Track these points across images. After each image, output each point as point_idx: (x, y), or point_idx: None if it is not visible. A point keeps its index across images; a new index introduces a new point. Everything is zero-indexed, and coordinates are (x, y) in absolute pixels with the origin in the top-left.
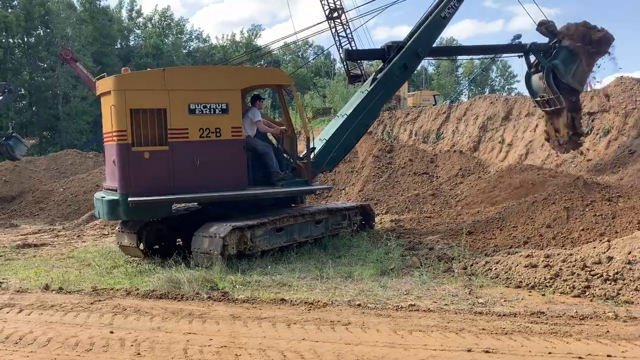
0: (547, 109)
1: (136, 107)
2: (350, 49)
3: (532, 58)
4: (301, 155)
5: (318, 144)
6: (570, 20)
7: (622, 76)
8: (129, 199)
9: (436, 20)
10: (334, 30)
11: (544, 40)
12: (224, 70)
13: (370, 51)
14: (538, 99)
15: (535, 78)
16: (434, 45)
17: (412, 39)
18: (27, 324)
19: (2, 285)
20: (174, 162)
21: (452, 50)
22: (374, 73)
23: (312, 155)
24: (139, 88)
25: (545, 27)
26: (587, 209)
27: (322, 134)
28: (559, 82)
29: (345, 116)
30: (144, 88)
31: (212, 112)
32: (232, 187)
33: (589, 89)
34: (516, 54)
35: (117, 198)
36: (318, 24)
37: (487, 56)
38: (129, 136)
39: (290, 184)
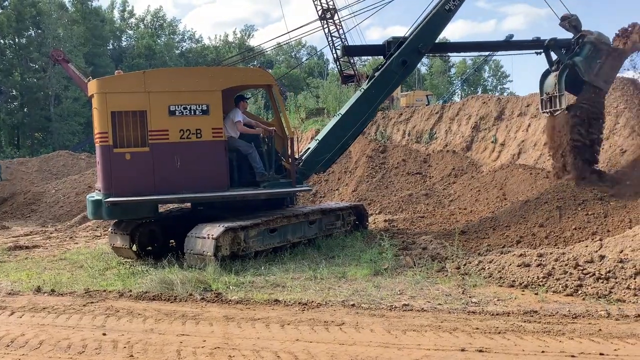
0: (546, 109)
1: (117, 109)
2: (348, 45)
3: (554, 56)
4: (296, 156)
5: (314, 144)
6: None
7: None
8: (106, 199)
9: (440, 13)
10: (326, 30)
11: (567, 35)
12: (204, 72)
13: (370, 47)
14: (543, 96)
15: (551, 76)
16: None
17: (413, 34)
18: (19, 327)
19: None
20: (154, 163)
21: (460, 47)
22: (372, 71)
23: (305, 156)
24: (119, 91)
25: (568, 21)
26: (579, 208)
27: (319, 134)
28: (580, 82)
29: (340, 115)
30: (124, 90)
31: (192, 113)
32: (213, 188)
33: None
34: (534, 51)
35: (100, 198)
36: (309, 23)
37: (503, 53)
38: (110, 138)
39: (274, 185)
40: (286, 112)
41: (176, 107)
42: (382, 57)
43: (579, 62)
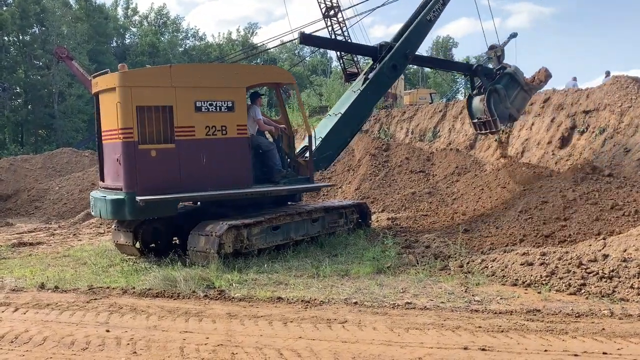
0: (482, 131)
1: (142, 104)
2: (306, 33)
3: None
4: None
5: (317, 142)
6: (567, 20)
7: (609, 73)
8: (138, 197)
9: (423, 23)
10: (330, 28)
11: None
12: (230, 68)
13: (363, 47)
14: (475, 120)
15: (476, 100)
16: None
17: (400, 41)
18: (23, 323)
19: None
20: (180, 161)
21: (415, 59)
22: (363, 73)
23: (308, 154)
24: (145, 85)
25: (494, 51)
26: (583, 207)
27: (316, 133)
28: (498, 107)
29: (340, 115)
30: (150, 85)
31: (218, 109)
32: (237, 185)
33: (576, 87)
34: (463, 73)
35: (122, 197)
36: (313, 22)
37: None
38: (135, 134)
39: (293, 182)
40: (305, 110)
41: (202, 103)
42: (370, 58)
43: (500, 89)
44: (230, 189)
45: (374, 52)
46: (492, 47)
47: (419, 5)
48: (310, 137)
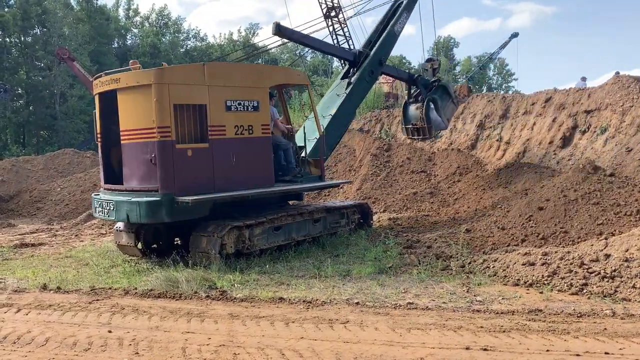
0: (415, 137)
1: (178, 102)
2: (280, 24)
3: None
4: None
5: (312, 143)
6: (568, 19)
7: (619, 74)
8: (182, 198)
9: (392, 34)
10: (331, 28)
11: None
12: (256, 68)
13: (341, 50)
14: (409, 126)
15: (412, 107)
16: None
17: (375, 49)
18: (25, 324)
19: (0, 285)
20: (213, 160)
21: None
22: (339, 77)
23: (303, 154)
24: (181, 82)
25: (431, 64)
26: (584, 207)
27: (307, 135)
28: (434, 115)
29: (331, 116)
30: (185, 82)
31: (245, 109)
32: (262, 184)
33: (585, 87)
34: (404, 82)
35: (158, 199)
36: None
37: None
38: (173, 132)
39: (309, 180)
40: (317, 112)
41: (232, 102)
42: (347, 62)
43: (437, 100)
44: (256, 188)
45: (352, 57)
46: (429, 60)
47: (384, 15)
48: (322, 138)
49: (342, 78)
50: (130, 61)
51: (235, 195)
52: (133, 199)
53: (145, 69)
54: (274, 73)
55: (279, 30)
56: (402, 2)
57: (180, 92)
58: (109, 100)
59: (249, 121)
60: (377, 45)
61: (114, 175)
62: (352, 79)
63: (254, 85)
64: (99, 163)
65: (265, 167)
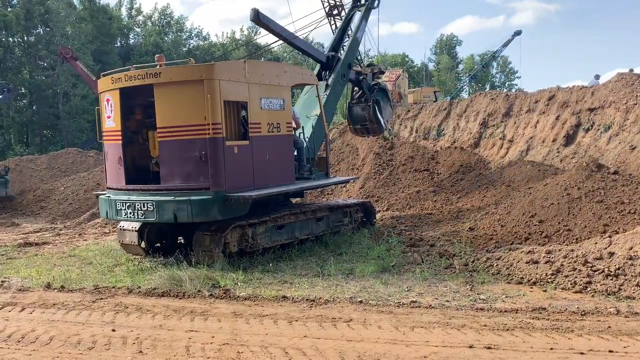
0: (366, 135)
1: (227, 99)
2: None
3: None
4: None
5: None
6: (572, 17)
7: (622, 72)
8: (239, 194)
9: (356, 40)
10: (334, 27)
11: None
12: (282, 67)
13: (314, 50)
14: (358, 126)
15: (357, 108)
16: None
17: (344, 55)
18: (29, 323)
19: (4, 284)
20: (252, 157)
21: None
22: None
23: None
24: (228, 79)
25: (371, 69)
26: (588, 206)
27: (305, 133)
28: (379, 116)
29: (317, 116)
30: (231, 79)
31: (274, 107)
32: (286, 182)
33: (598, 84)
34: (352, 84)
35: (209, 197)
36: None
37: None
38: (224, 129)
39: (320, 177)
40: (322, 111)
41: (265, 100)
42: (319, 63)
43: (380, 101)
44: (281, 186)
45: (325, 60)
46: (369, 65)
47: (343, 22)
48: (326, 135)
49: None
50: (157, 55)
51: (279, 192)
52: (181, 198)
53: (195, 64)
54: (294, 72)
55: (257, 17)
56: (354, 12)
57: (228, 88)
58: (135, 95)
59: (277, 119)
60: (346, 51)
61: (135, 175)
62: (329, 81)
63: (281, 83)
64: (104, 162)
65: (290, 164)
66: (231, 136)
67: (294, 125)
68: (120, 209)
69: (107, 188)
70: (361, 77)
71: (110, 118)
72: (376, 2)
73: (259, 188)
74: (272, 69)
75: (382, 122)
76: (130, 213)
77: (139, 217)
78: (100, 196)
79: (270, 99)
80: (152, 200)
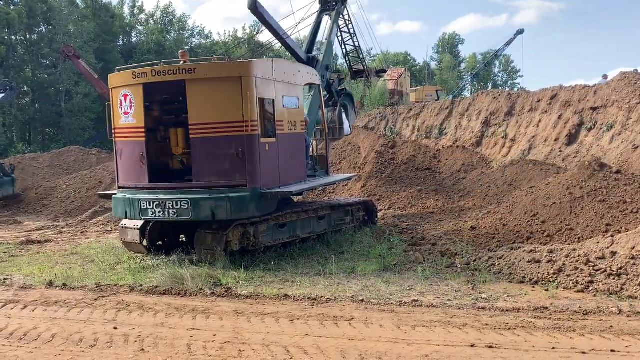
0: (330, 137)
1: (261, 96)
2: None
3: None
4: None
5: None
6: (575, 16)
7: (625, 71)
8: (274, 191)
9: (331, 43)
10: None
11: None
12: (297, 67)
13: (297, 49)
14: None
15: (326, 112)
16: None
17: (323, 56)
18: (32, 320)
19: (6, 281)
20: (279, 155)
21: None
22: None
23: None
24: (261, 76)
25: (337, 75)
26: (590, 205)
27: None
28: (345, 119)
29: (306, 116)
30: (263, 77)
31: (292, 105)
32: (301, 179)
33: (605, 82)
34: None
35: (247, 194)
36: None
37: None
38: (259, 127)
39: (322, 175)
40: (324, 110)
41: (286, 98)
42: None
43: (348, 105)
44: (297, 183)
45: (306, 60)
46: (336, 72)
47: (314, 24)
48: (326, 134)
49: None
50: (180, 51)
51: (308, 188)
52: (219, 195)
53: (232, 61)
54: (306, 72)
55: (255, 5)
56: (323, 16)
57: (261, 86)
58: (154, 92)
59: (294, 117)
60: (323, 54)
61: (157, 173)
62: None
63: (297, 82)
64: (117, 160)
65: (303, 162)
66: (264, 133)
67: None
68: (147, 208)
69: (121, 187)
70: (331, 81)
71: (129, 114)
72: (344, 8)
73: (284, 185)
74: (291, 68)
75: (347, 125)
76: (159, 212)
77: (171, 215)
78: (114, 195)
79: (289, 97)
80: (187, 198)
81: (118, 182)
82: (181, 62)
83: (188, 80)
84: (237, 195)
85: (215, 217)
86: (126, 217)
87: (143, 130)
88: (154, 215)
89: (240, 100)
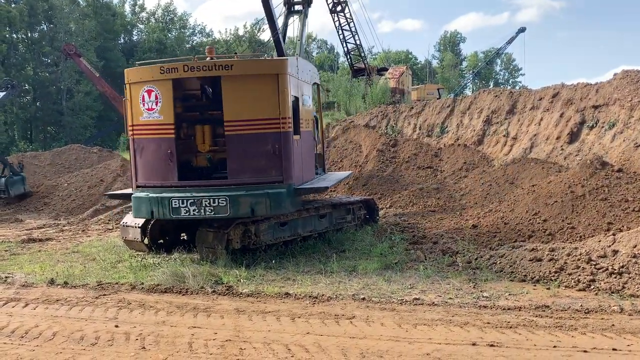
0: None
1: (293, 94)
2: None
3: None
4: None
5: None
6: (577, 14)
7: (627, 69)
8: (309, 187)
9: (302, 44)
10: (337, 23)
11: None
12: (309, 66)
13: (281, 47)
14: None
15: None
16: None
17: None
18: (33, 318)
19: (8, 279)
20: (301, 152)
21: None
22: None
23: None
24: (292, 74)
25: None
26: (592, 203)
27: None
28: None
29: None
30: (292, 75)
31: (307, 104)
32: (313, 176)
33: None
34: None
35: (283, 190)
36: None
37: None
38: (292, 124)
39: (321, 172)
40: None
41: (304, 96)
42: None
43: (316, 119)
44: (316, 180)
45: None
46: None
47: (283, 26)
48: (322, 133)
49: None
50: (208, 47)
51: (333, 184)
52: (258, 192)
53: (275, 58)
54: (314, 71)
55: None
56: (289, 19)
57: (293, 83)
58: (187, 88)
59: (309, 115)
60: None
61: (183, 171)
62: None
63: (309, 81)
64: (135, 157)
65: (313, 160)
66: (294, 131)
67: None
68: (179, 206)
69: (140, 186)
70: None
71: (154, 110)
72: (308, 10)
73: (305, 182)
74: (307, 66)
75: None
76: (194, 210)
77: (207, 213)
78: (135, 195)
79: (307, 95)
80: (225, 195)
81: (136, 180)
82: (208, 58)
83: (224, 77)
84: (276, 191)
85: (255, 213)
86: (152, 217)
87: (172, 126)
88: (187, 214)
89: (276, 97)
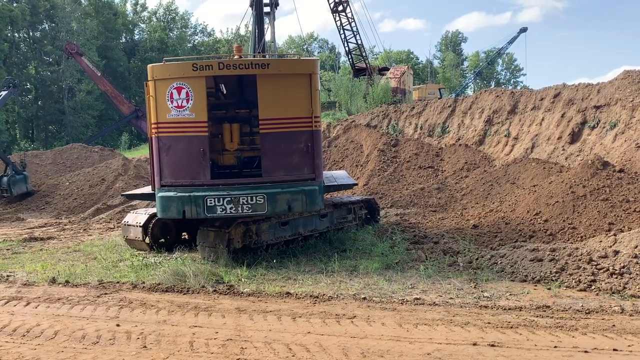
0: None
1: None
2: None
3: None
4: None
5: None
6: (579, 14)
7: (629, 69)
8: (336, 184)
9: (274, 42)
10: (338, 23)
11: None
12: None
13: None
14: None
15: None
16: None
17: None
18: (34, 317)
19: (9, 278)
20: (318, 150)
21: None
22: None
23: None
24: (318, 74)
25: (222, 86)
26: (593, 203)
27: None
28: None
29: None
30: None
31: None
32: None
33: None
34: None
35: (316, 187)
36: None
37: None
38: (321, 123)
39: None
40: None
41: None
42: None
43: None
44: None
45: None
46: None
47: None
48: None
49: None
50: (235, 45)
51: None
52: (295, 189)
53: (302, 58)
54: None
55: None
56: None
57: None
58: (223, 84)
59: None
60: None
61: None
62: None
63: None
64: (159, 156)
65: (321, 157)
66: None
67: None
68: (214, 204)
69: (166, 185)
70: None
71: (184, 108)
72: (275, 9)
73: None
74: (316, 65)
75: None
76: (231, 208)
77: (244, 210)
78: (162, 194)
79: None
80: (262, 192)
81: (160, 179)
82: (235, 57)
83: (260, 75)
84: (311, 188)
85: (291, 210)
86: (183, 216)
87: (205, 124)
88: (223, 212)
89: (309, 96)
